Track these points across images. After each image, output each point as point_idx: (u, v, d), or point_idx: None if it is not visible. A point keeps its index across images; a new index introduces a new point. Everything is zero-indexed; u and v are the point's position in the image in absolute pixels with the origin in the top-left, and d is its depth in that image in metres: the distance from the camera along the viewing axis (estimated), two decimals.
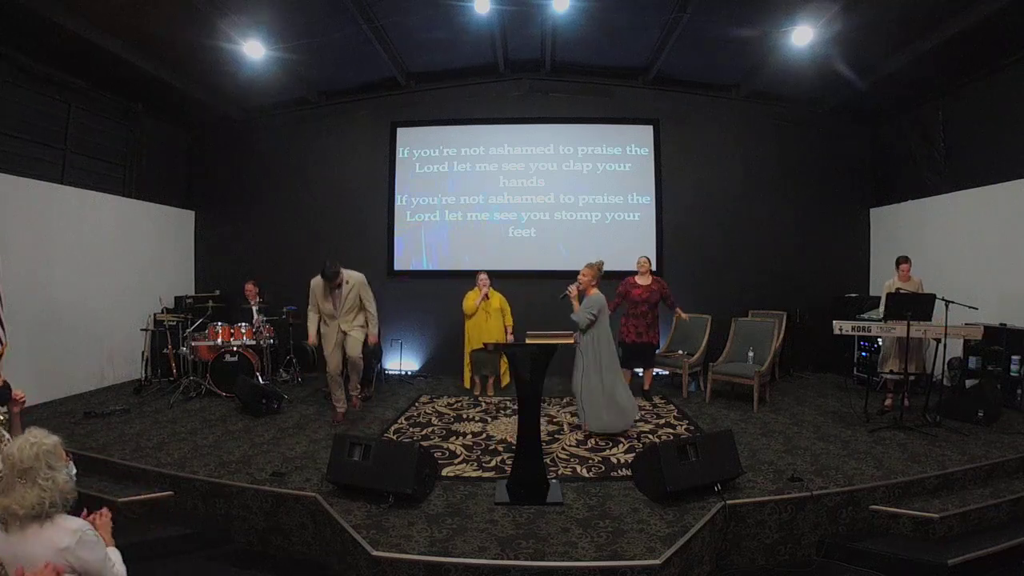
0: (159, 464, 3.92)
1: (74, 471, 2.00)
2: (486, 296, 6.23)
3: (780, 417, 5.17)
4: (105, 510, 2.09)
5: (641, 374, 6.06)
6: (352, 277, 5.02)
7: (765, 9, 5.40)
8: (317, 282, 4.98)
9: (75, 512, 1.85)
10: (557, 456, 4.19)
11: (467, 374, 6.50)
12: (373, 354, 6.49)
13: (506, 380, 6.49)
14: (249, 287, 6.84)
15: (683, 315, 6.03)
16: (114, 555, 1.91)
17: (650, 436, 4.66)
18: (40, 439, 1.77)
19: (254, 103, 7.58)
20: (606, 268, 7.01)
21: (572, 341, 3.80)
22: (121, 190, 6.92)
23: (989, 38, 5.22)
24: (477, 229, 7.61)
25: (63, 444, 1.88)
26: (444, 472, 3.85)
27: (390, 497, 3.31)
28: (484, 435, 4.74)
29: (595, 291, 4.66)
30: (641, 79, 7.44)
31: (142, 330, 6.59)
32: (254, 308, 6.74)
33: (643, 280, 5.74)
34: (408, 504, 3.31)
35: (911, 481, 3.57)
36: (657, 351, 6.02)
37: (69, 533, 1.71)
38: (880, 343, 5.49)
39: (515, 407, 4.46)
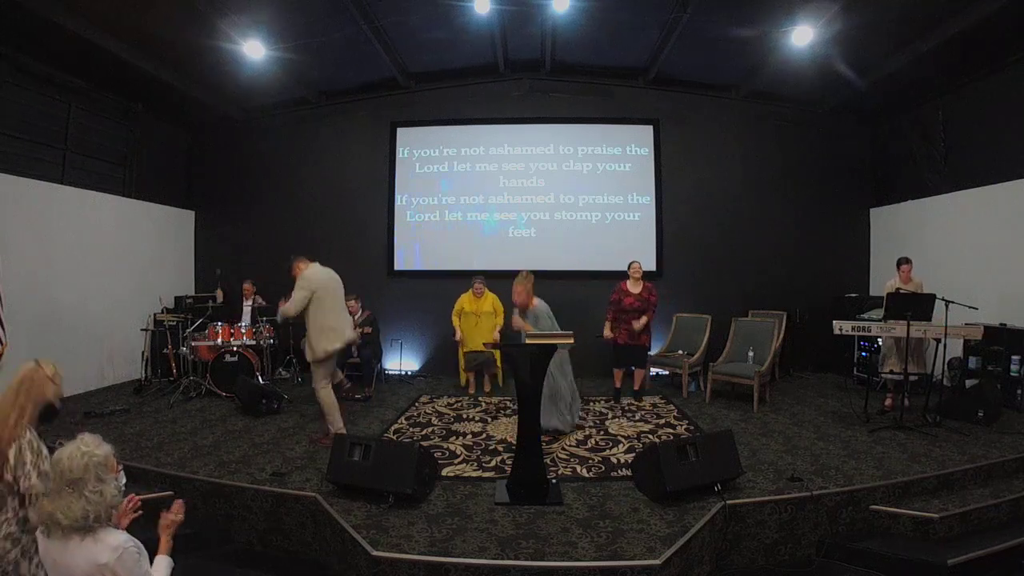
0: (159, 464, 3.93)
1: (123, 481, 1.94)
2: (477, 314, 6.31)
3: (780, 417, 5.17)
4: (178, 504, 2.03)
5: (634, 373, 6.04)
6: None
7: (765, 9, 5.40)
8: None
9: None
10: (557, 456, 4.19)
11: (463, 373, 6.53)
12: (374, 354, 6.50)
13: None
14: (247, 286, 6.87)
15: (636, 325, 5.67)
16: (160, 569, 1.87)
17: (650, 436, 4.67)
18: (92, 448, 1.72)
19: (254, 103, 7.58)
20: (605, 268, 7.23)
21: (571, 341, 3.79)
22: (121, 190, 6.92)
23: (989, 38, 5.22)
24: (477, 229, 7.61)
25: (115, 454, 1.83)
26: (444, 472, 3.85)
27: (390, 497, 3.31)
28: (484, 435, 4.74)
29: (536, 301, 4.60)
30: (641, 79, 7.44)
31: (142, 330, 6.59)
32: (246, 306, 6.76)
33: (635, 288, 5.75)
34: (408, 504, 3.31)
35: (911, 481, 3.57)
36: (649, 352, 6.05)
37: (109, 550, 1.67)
38: (880, 343, 5.49)
39: (515, 407, 4.46)
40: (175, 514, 2.01)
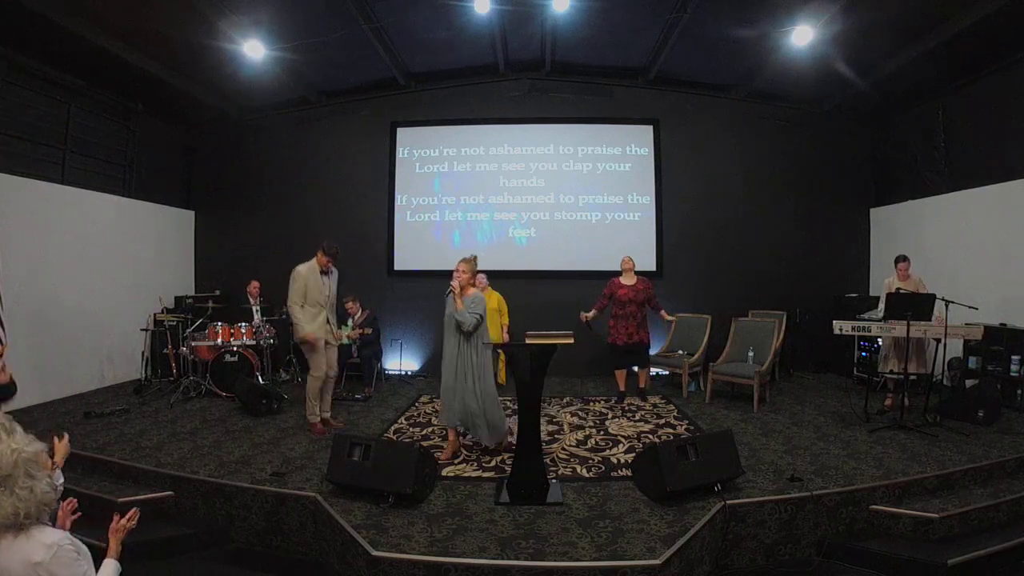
0: (159, 464, 3.93)
1: (60, 480, 1.91)
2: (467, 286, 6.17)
3: (780, 417, 5.17)
4: (133, 512, 2.02)
5: (637, 372, 6.04)
6: (333, 270, 4.84)
7: (765, 9, 5.40)
8: (309, 269, 4.67)
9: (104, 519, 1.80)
10: (557, 456, 4.19)
11: None
12: (374, 354, 6.50)
13: (503, 379, 6.50)
14: (254, 287, 6.88)
15: (667, 317, 5.82)
16: (107, 572, 1.83)
17: (650, 436, 4.67)
18: (21, 445, 1.68)
19: (254, 103, 7.58)
20: (605, 268, 7.21)
21: (571, 341, 3.78)
22: (121, 190, 6.92)
23: (989, 38, 5.22)
24: (477, 229, 7.62)
25: (47, 451, 1.79)
26: (444, 472, 3.85)
27: (390, 497, 3.31)
28: None
29: (474, 290, 4.24)
30: (641, 79, 7.44)
31: (142, 330, 6.59)
32: (256, 308, 6.77)
33: (628, 280, 5.74)
34: (408, 504, 3.31)
35: (911, 481, 3.57)
36: (649, 350, 6.01)
37: (44, 547, 1.63)
38: (880, 343, 5.49)
39: (515, 407, 4.45)
40: (128, 520, 1.98)
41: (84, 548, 1.75)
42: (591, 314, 5.73)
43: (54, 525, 1.79)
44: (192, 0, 4.97)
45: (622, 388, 5.88)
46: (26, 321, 5.32)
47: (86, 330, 6.14)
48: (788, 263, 7.54)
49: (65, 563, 1.65)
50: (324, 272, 4.77)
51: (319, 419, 4.80)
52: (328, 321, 4.76)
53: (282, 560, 3.40)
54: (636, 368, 5.98)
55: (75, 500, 2.01)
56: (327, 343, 4.75)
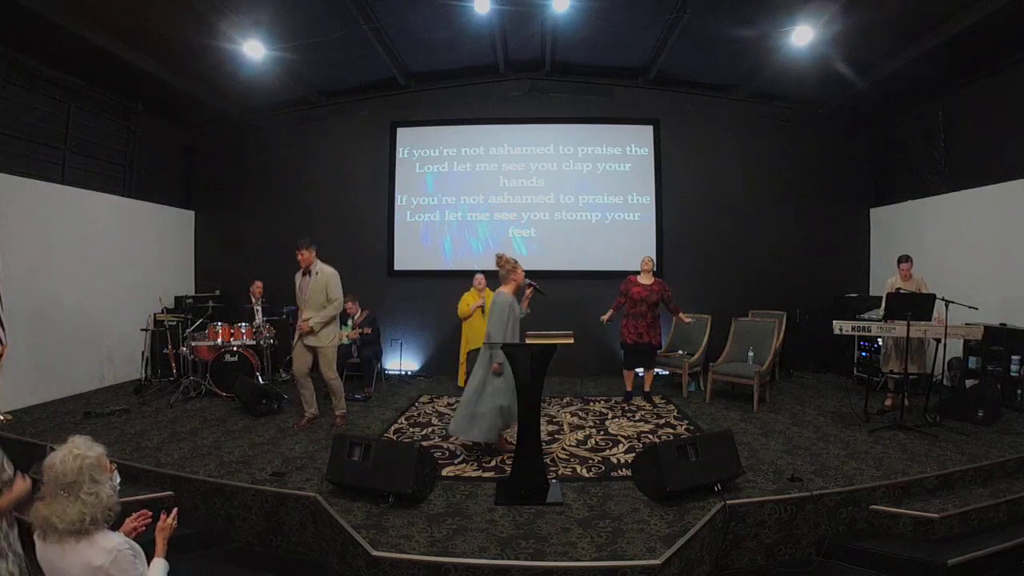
0: (159, 464, 3.93)
1: (118, 480, 1.92)
2: (482, 307, 6.21)
3: (780, 417, 5.17)
4: (175, 512, 2.05)
5: (642, 374, 6.04)
6: (324, 270, 4.80)
7: (765, 9, 5.40)
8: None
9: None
10: (557, 456, 4.19)
11: (462, 373, 6.51)
12: (374, 354, 6.50)
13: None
14: (257, 287, 6.88)
15: (685, 319, 5.85)
16: (157, 571, 1.86)
17: (650, 436, 4.67)
18: (84, 451, 1.70)
19: (254, 103, 7.58)
20: (605, 268, 7.26)
21: (571, 341, 3.78)
22: (121, 190, 6.92)
23: (989, 38, 5.23)
24: (477, 229, 7.62)
25: (107, 454, 1.81)
26: (444, 472, 3.85)
27: (390, 497, 3.31)
28: None
29: (495, 292, 4.37)
30: (641, 79, 7.44)
31: (142, 330, 6.59)
32: (257, 308, 6.77)
33: (644, 280, 5.73)
34: (408, 504, 3.31)
35: (911, 481, 3.58)
36: (659, 351, 6.01)
37: (104, 552, 1.66)
38: (880, 343, 5.49)
39: None
40: (173, 519, 2.02)
41: (139, 549, 1.79)
42: (608, 315, 5.75)
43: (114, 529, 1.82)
44: (192, 0, 4.97)
45: (628, 388, 5.88)
46: (26, 321, 5.32)
47: (86, 330, 6.13)
48: (788, 263, 7.54)
49: (124, 567, 1.69)
50: (305, 272, 4.80)
51: (304, 417, 4.95)
52: (300, 323, 4.77)
53: (282, 560, 3.40)
54: (641, 371, 5.97)
55: (148, 513, 2.02)
56: (307, 347, 4.77)
